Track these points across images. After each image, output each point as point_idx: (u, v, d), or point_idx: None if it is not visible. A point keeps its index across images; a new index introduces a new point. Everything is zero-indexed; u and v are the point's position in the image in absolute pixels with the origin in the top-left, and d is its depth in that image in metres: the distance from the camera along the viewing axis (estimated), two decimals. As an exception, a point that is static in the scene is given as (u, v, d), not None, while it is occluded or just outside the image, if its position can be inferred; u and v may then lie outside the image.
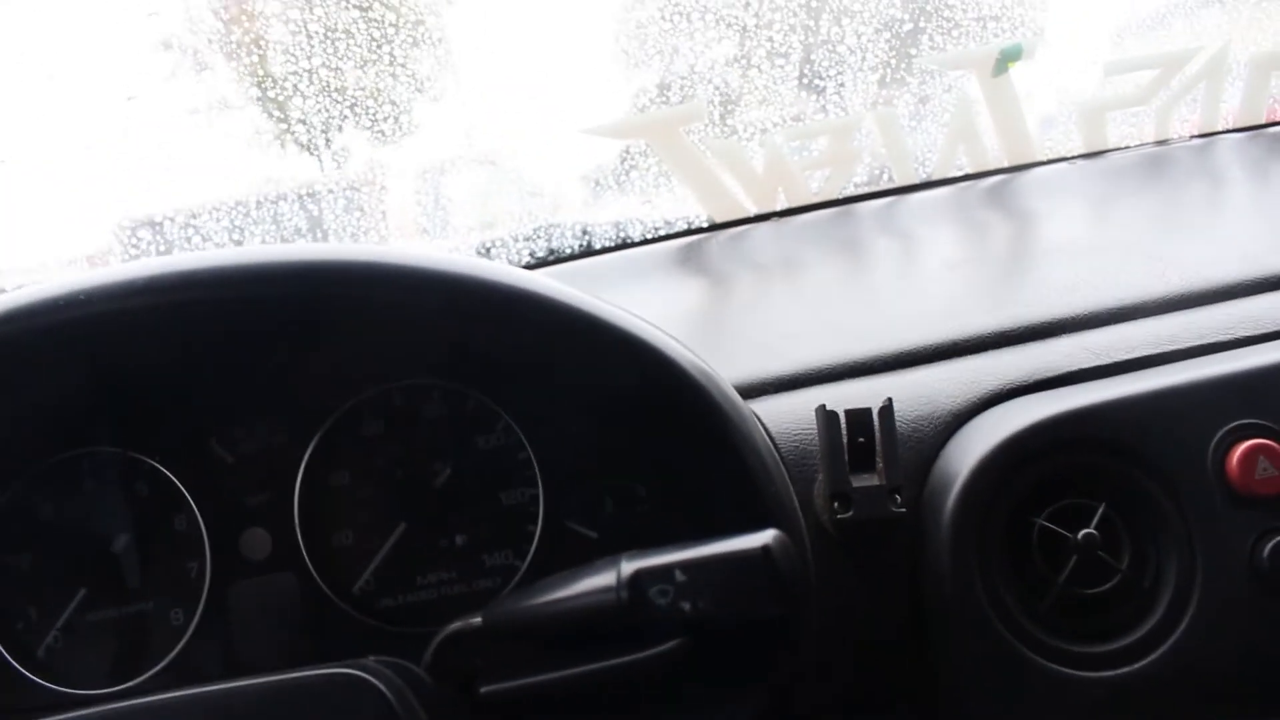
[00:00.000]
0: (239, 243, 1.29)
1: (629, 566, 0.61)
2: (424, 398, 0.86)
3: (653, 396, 0.76)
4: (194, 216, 1.25)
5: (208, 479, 0.85)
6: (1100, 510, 0.78)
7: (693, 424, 0.75)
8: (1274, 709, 0.78)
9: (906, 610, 0.81)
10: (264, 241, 1.32)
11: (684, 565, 0.60)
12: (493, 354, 0.82)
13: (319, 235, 1.35)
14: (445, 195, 1.65)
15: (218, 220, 1.25)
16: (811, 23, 1.40)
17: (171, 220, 1.26)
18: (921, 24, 1.42)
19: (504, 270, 0.75)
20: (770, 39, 1.41)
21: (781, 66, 1.43)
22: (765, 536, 0.59)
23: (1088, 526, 0.78)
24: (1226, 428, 0.79)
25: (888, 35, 1.40)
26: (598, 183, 1.55)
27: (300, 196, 1.36)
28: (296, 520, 0.84)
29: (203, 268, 0.74)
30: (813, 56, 1.44)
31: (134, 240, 1.27)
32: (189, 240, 1.26)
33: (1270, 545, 0.77)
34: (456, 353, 0.84)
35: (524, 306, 0.74)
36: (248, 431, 0.85)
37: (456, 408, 0.86)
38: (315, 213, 1.35)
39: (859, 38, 1.40)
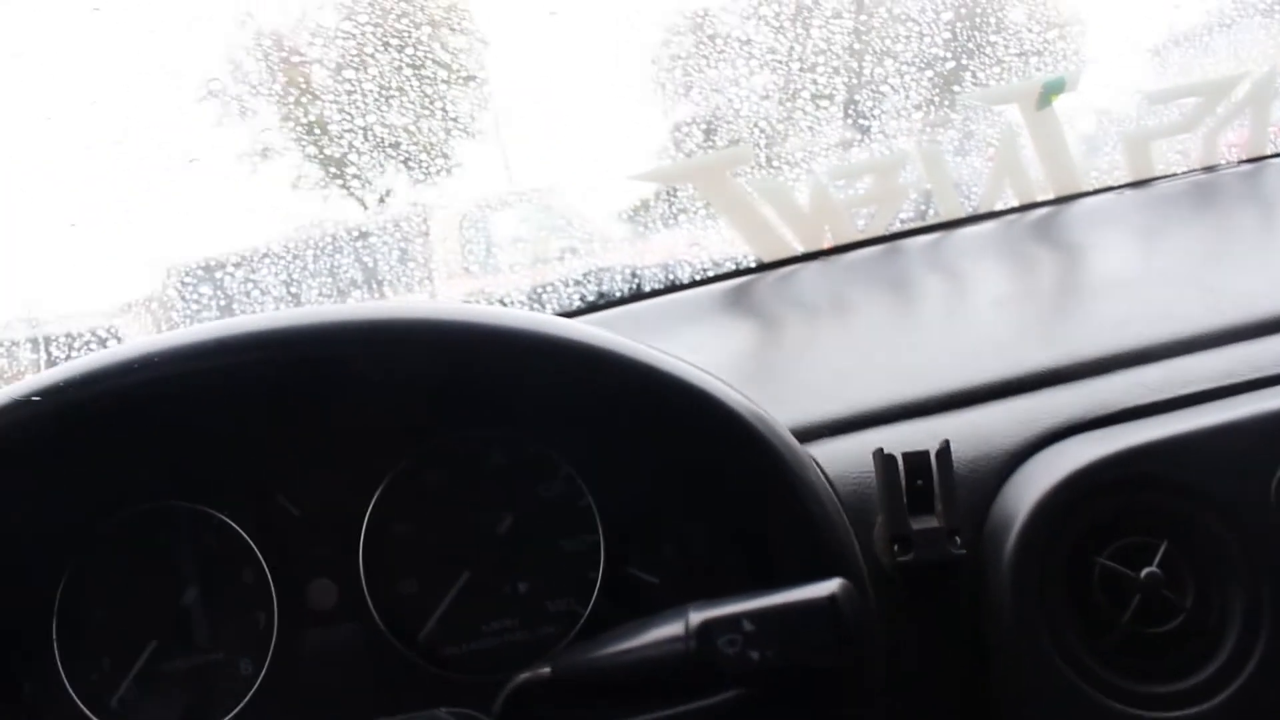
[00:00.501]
0: (295, 294, 1.32)
1: (697, 616, 0.61)
2: (485, 447, 0.87)
3: (710, 443, 0.77)
4: (252, 270, 1.28)
5: (274, 532, 0.86)
6: (1163, 548, 0.78)
7: (751, 470, 0.76)
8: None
9: (969, 652, 0.81)
10: (321, 293, 1.35)
11: (751, 615, 0.60)
12: (551, 404, 0.84)
13: (374, 285, 1.37)
14: (497, 238, 1.67)
15: (275, 274, 1.28)
16: (855, 64, 1.42)
17: (231, 275, 1.29)
18: (964, 61, 1.43)
19: (556, 322, 0.77)
20: (814, 81, 1.43)
21: (826, 107, 1.44)
22: (831, 585, 0.60)
23: (1150, 565, 0.77)
24: None
25: (930, 73, 1.41)
26: (646, 225, 1.57)
27: (354, 245, 1.39)
28: (361, 570, 0.85)
29: (268, 329, 0.76)
30: (856, 96, 1.45)
31: (196, 295, 1.29)
32: (248, 295, 1.29)
33: (1338, 580, 0.76)
34: (515, 403, 0.85)
35: (577, 357, 0.76)
36: (313, 485, 0.87)
37: (517, 457, 0.87)
38: (370, 263, 1.37)
39: (902, 76, 1.41)
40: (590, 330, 0.78)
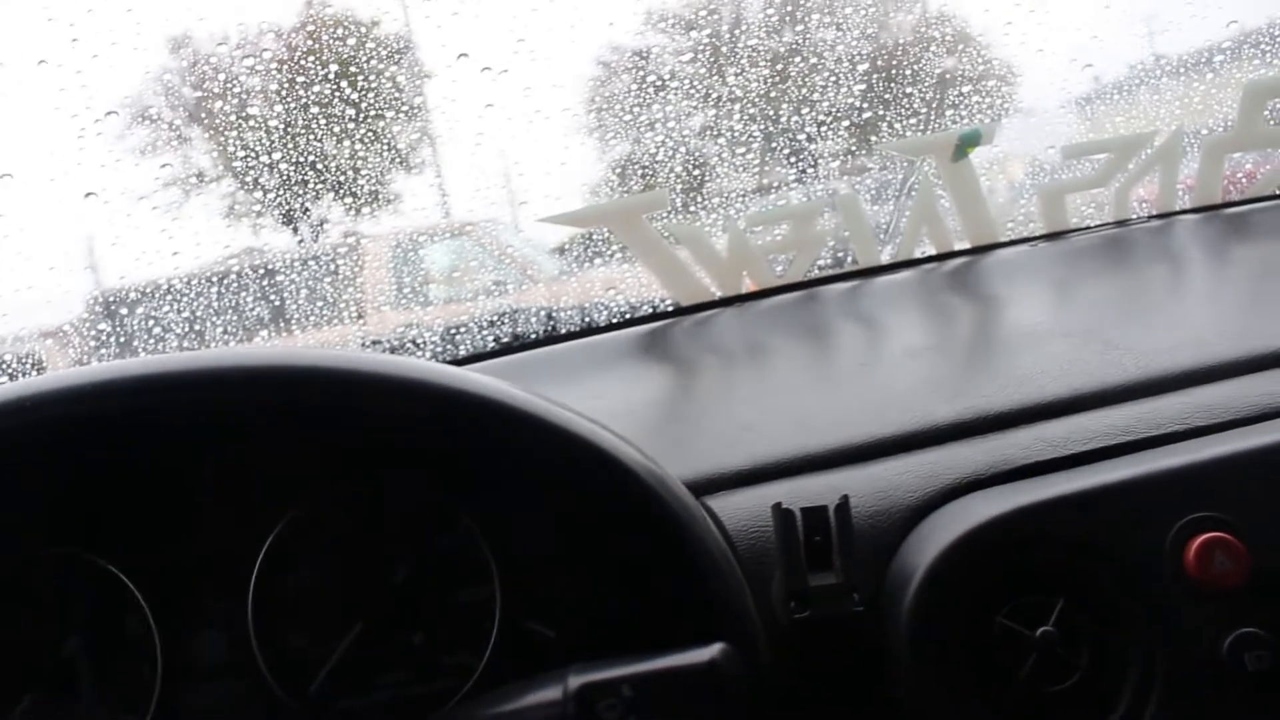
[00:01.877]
0: (199, 333, 1.29)
1: (576, 681, 0.60)
2: (381, 496, 0.86)
3: (603, 498, 0.76)
4: (156, 306, 1.25)
5: (160, 581, 0.83)
6: (1059, 606, 0.78)
7: (645, 526, 0.75)
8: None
9: (869, 709, 0.80)
10: (225, 331, 1.32)
11: (632, 680, 0.59)
12: (449, 454, 0.82)
13: (281, 323, 1.35)
14: (417, 269, 1.65)
15: (178, 311, 1.25)
16: (772, 111, 1.42)
17: (131, 311, 1.26)
18: (881, 112, 1.45)
19: (451, 373, 0.76)
20: (731, 129, 1.43)
21: (744, 154, 1.45)
22: (712, 651, 0.59)
23: (1047, 623, 0.77)
24: (1182, 521, 0.79)
25: (847, 122, 1.42)
26: (569, 259, 1.56)
27: (260, 277, 1.36)
28: (250, 621, 0.83)
29: (150, 374, 0.74)
30: (774, 144, 1.46)
31: (94, 332, 1.26)
32: (149, 332, 1.25)
33: (1230, 639, 0.76)
34: (412, 452, 0.83)
35: (472, 408, 0.75)
36: (202, 532, 0.84)
37: (414, 506, 0.86)
38: (277, 300, 1.35)
39: (819, 126, 1.42)
40: (486, 381, 0.77)
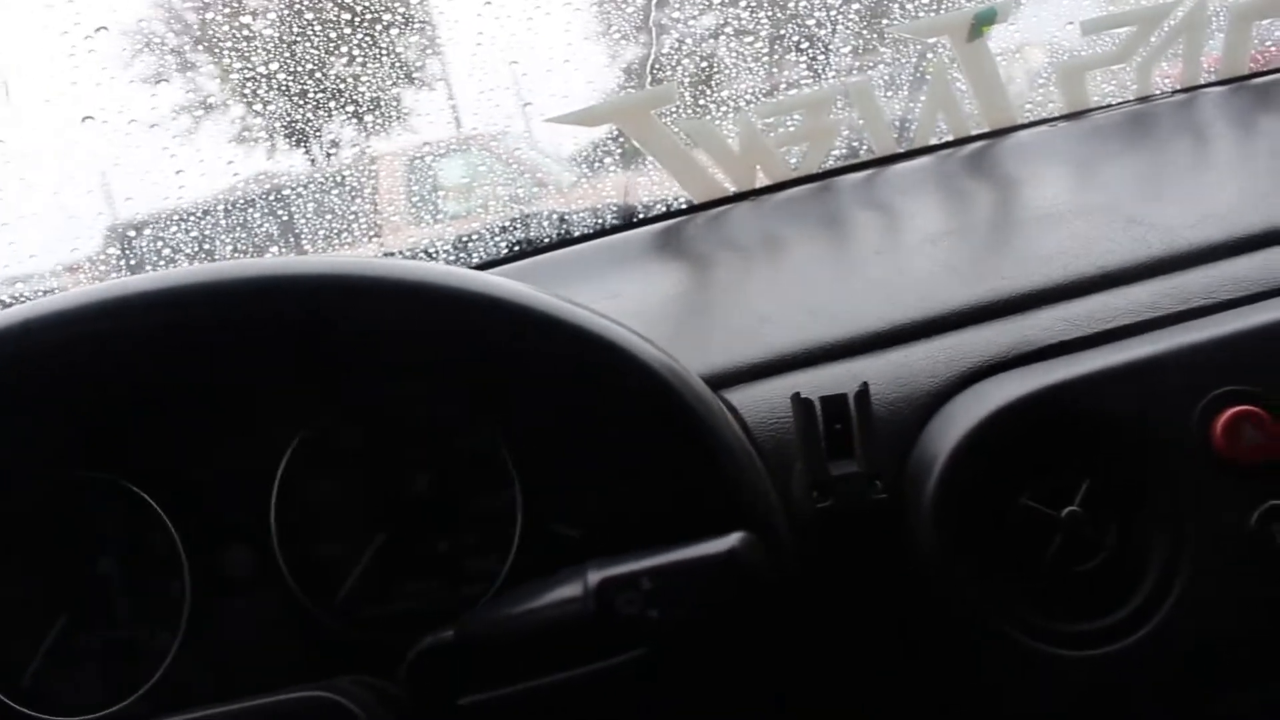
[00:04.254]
0: (209, 253, 1.28)
1: (595, 576, 0.60)
2: (398, 405, 0.85)
3: (621, 395, 0.75)
4: (163, 228, 1.24)
5: (184, 498, 0.84)
6: (1084, 486, 0.77)
7: (664, 421, 0.74)
8: (1267, 678, 0.77)
9: (893, 596, 0.80)
10: (235, 250, 1.31)
11: (650, 572, 0.59)
12: (464, 358, 0.81)
13: (291, 239, 1.34)
14: (426, 184, 1.64)
15: (187, 231, 1.24)
16: (780, -1, 1.39)
17: (139, 233, 1.25)
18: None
19: (463, 275, 0.75)
20: (739, 16, 1.39)
21: (752, 43, 1.41)
22: (732, 540, 0.58)
23: (1072, 504, 0.77)
24: (1210, 395, 0.78)
25: (858, 5, 1.38)
26: (583, 165, 1.54)
27: (269, 200, 1.35)
28: (274, 534, 0.83)
29: (164, 287, 0.74)
30: (783, 31, 1.42)
31: (103, 257, 1.26)
32: (159, 253, 1.25)
33: (1259, 513, 0.76)
34: (428, 358, 0.83)
35: (486, 310, 0.74)
36: (222, 448, 0.84)
37: (432, 414, 0.85)
38: (285, 216, 1.34)
39: (829, 10, 1.38)
40: (499, 282, 0.76)
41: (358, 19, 1.38)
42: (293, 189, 1.38)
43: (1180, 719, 0.79)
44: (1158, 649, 0.75)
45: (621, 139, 1.44)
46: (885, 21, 1.45)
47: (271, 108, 1.42)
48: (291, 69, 1.38)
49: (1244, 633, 0.76)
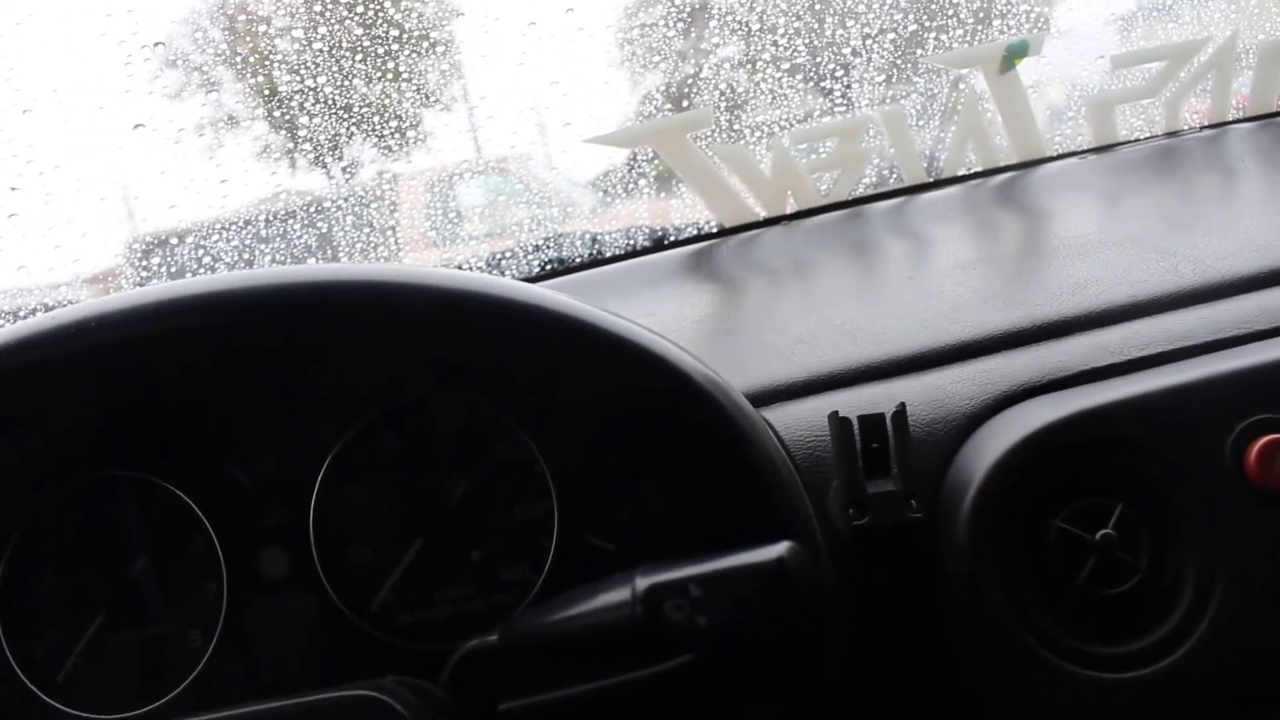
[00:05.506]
0: (249, 262, 1.29)
1: (643, 582, 0.60)
2: (438, 412, 0.86)
3: (664, 407, 0.76)
4: (205, 237, 1.25)
5: (223, 500, 0.85)
6: (1118, 510, 0.78)
7: (705, 435, 0.75)
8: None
9: (926, 615, 0.81)
10: (274, 260, 1.33)
11: (699, 579, 0.59)
12: (504, 367, 0.82)
13: (329, 252, 1.35)
14: (455, 206, 1.65)
15: (228, 240, 1.26)
16: (816, 25, 1.40)
17: (182, 241, 1.26)
18: (926, 24, 1.42)
19: (508, 285, 0.76)
20: (775, 43, 1.41)
21: (786, 70, 1.42)
22: (780, 549, 0.59)
23: (1106, 527, 0.77)
24: (1244, 423, 0.78)
25: (892, 35, 1.39)
26: (607, 190, 1.55)
27: (309, 213, 1.37)
28: (312, 539, 0.84)
29: (212, 291, 0.75)
30: (818, 59, 1.44)
31: (144, 264, 1.27)
32: (200, 261, 1.26)
33: (1291, 541, 0.76)
34: (467, 367, 0.84)
35: (529, 320, 0.75)
36: (262, 452, 0.85)
37: (471, 422, 0.86)
38: (325, 229, 1.35)
39: (864, 39, 1.39)
40: (543, 293, 0.77)
41: (406, 35, 1.40)
42: (331, 203, 1.39)
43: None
44: (1190, 673, 0.75)
45: (649, 161, 1.45)
46: (919, 52, 1.47)
47: (310, 125, 1.43)
48: (331, 90, 1.40)
49: (1277, 658, 0.76)
